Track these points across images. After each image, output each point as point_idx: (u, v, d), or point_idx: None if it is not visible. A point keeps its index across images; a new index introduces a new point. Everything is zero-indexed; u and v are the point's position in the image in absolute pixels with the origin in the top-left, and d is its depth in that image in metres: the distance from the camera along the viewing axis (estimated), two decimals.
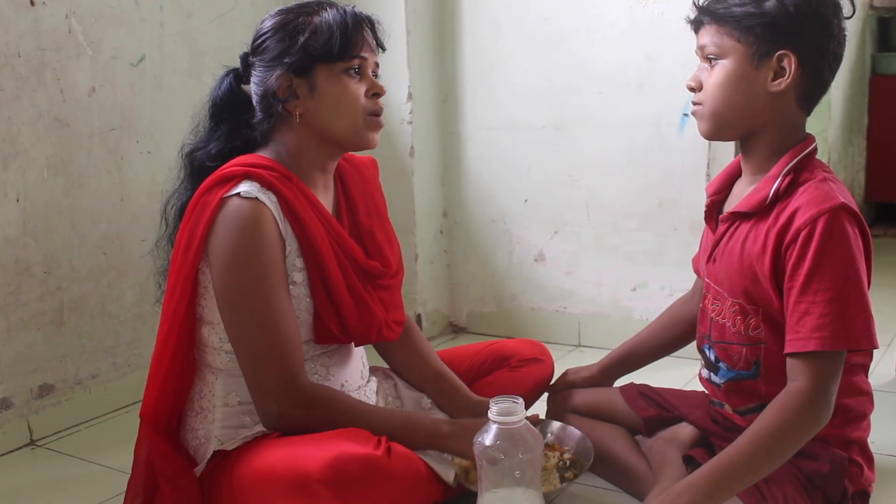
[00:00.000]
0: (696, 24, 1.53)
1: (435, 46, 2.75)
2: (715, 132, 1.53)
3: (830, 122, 3.52)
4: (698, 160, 2.41)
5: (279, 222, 1.52)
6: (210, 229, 1.50)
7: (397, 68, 2.63)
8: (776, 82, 1.46)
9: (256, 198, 1.50)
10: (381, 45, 1.62)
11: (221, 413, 1.57)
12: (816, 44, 1.45)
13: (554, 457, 1.66)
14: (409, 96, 2.66)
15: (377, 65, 1.62)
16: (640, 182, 2.51)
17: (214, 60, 2.47)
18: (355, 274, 1.60)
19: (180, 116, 2.40)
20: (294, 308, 1.55)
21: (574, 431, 1.71)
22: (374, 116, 1.59)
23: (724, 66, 1.47)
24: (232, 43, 2.50)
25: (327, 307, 1.57)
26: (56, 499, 1.85)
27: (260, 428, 1.55)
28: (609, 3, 2.48)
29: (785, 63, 1.45)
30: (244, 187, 1.50)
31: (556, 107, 2.61)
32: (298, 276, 1.55)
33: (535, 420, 1.67)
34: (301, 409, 1.50)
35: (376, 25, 1.61)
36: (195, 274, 1.53)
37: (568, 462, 1.65)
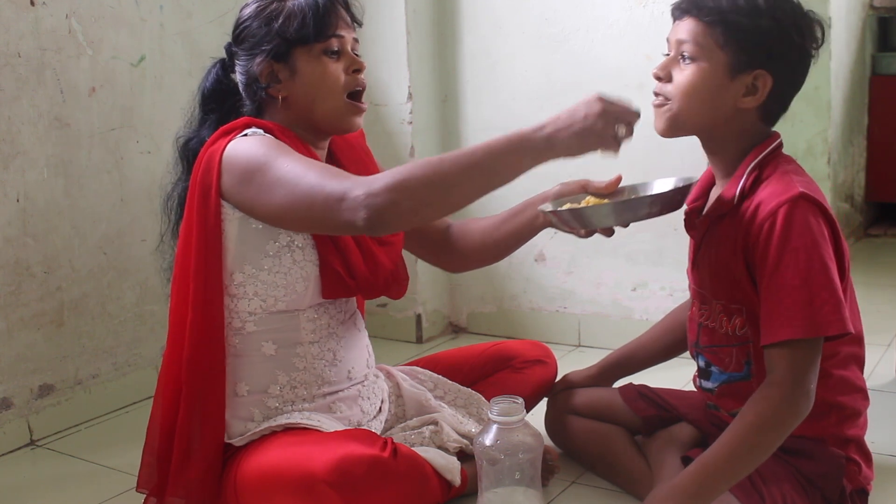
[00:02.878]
0: (680, 13, 1.48)
1: (435, 46, 2.74)
2: (671, 133, 1.52)
3: (830, 122, 3.51)
4: (698, 160, 2.40)
5: None
6: (221, 170, 1.51)
7: (397, 68, 2.63)
8: (746, 99, 1.45)
9: (263, 136, 1.53)
10: (356, 21, 1.64)
11: (230, 403, 1.57)
12: (793, 71, 1.46)
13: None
14: (409, 96, 2.66)
15: (356, 41, 1.63)
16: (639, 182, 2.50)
17: (214, 60, 2.47)
18: None
19: (180, 116, 2.40)
20: (301, 261, 1.55)
21: (672, 179, 1.54)
22: (355, 102, 1.60)
23: (700, 69, 1.45)
24: None
25: (331, 249, 1.57)
26: (56, 499, 1.85)
27: (267, 424, 1.55)
28: (609, 4, 2.48)
29: (759, 82, 1.44)
30: (250, 130, 1.54)
31: (555, 107, 2.55)
32: None
33: (616, 181, 1.57)
34: (382, 179, 1.37)
35: (350, 2, 1.62)
36: (221, 223, 1.52)
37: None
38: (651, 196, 1.46)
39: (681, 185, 1.49)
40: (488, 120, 2.71)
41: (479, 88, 2.71)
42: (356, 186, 1.37)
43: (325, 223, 1.44)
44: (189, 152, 1.64)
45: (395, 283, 1.68)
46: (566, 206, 1.52)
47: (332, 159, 1.71)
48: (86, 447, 2.09)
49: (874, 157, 4.02)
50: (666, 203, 1.45)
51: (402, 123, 2.68)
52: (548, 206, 1.53)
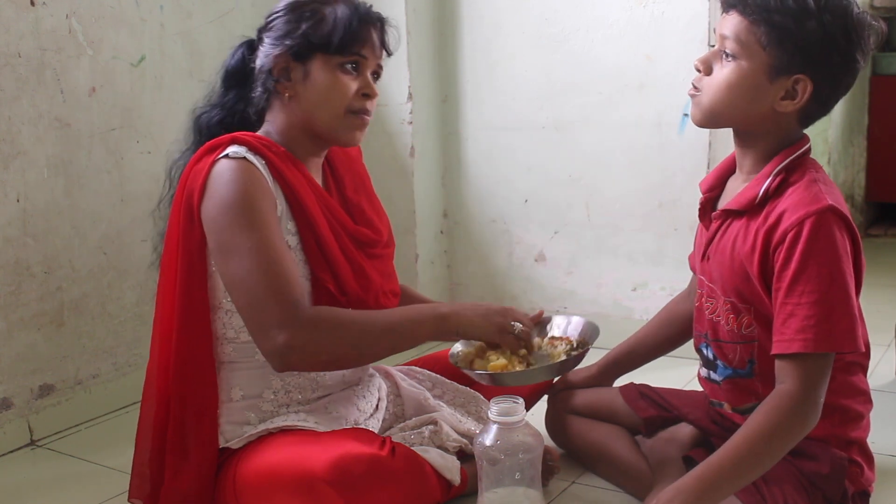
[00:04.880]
0: (727, 7, 1.45)
1: (435, 46, 2.74)
2: (707, 124, 1.51)
3: (830, 122, 3.52)
4: (699, 160, 2.41)
5: (269, 181, 1.52)
6: (203, 194, 1.50)
7: (397, 68, 2.63)
8: (784, 102, 1.43)
9: (245, 157, 1.51)
10: (386, 49, 1.61)
11: (225, 409, 1.57)
12: (837, 77, 1.43)
13: (562, 344, 1.66)
14: (409, 96, 2.66)
15: (380, 67, 1.62)
16: (640, 182, 2.51)
17: (214, 60, 2.45)
18: (348, 240, 1.61)
19: (180, 116, 2.39)
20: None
21: (577, 319, 1.73)
22: (358, 114, 1.58)
23: (740, 68, 1.42)
24: (232, 43, 2.49)
25: (323, 268, 1.56)
26: (56, 499, 1.85)
27: (265, 426, 1.55)
28: (609, 4, 2.48)
29: (799, 87, 1.42)
30: (232, 149, 1.52)
31: (556, 107, 2.61)
32: (292, 241, 1.55)
33: (539, 316, 1.70)
34: (307, 331, 1.44)
35: (387, 28, 1.60)
36: (204, 244, 1.52)
37: (576, 344, 1.67)
38: (557, 364, 1.62)
39: (584, 330, 1.70)
40: (488, 120, 2.71)
41: (479, 88, 2.72)
42: (284, 326, 1.43)
43: (249, 331, 1.49)
44: (201, 125, 1.64)
45: (385, 297, 1.67)
46: (466, 356, 1.65)
47: (330, 167, 1.70)
48: (86, 447, 2.09)
49: (874, 157, 4.02)
50: (568, 367, 1.65)
51: (402, 123, 2.68)
52: (467, 366, 1.63)
